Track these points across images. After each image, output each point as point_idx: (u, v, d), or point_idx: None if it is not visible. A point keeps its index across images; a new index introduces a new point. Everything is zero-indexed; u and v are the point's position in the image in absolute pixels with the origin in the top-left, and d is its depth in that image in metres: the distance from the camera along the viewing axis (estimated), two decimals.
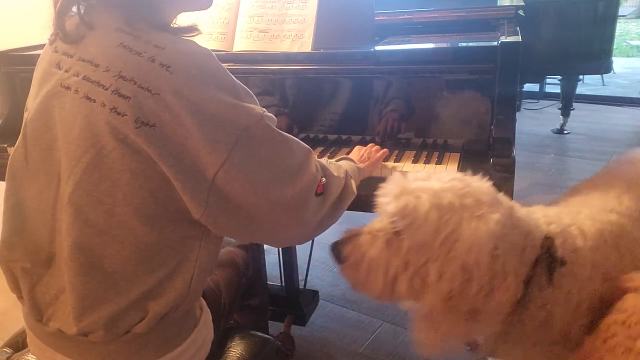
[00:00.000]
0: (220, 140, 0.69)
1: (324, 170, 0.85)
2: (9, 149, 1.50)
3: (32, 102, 0.80)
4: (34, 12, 2.74)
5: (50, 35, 0.80)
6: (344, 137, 1.33)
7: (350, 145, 1.31)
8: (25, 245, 0.81)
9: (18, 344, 1.02)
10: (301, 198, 0.78)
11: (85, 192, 0.71)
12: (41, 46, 1.72)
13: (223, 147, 0.69)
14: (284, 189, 0.75)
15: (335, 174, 0.88)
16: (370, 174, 1.12)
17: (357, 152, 1.16)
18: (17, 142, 0.85)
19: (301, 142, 0.81)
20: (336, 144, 1.33)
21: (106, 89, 0.69)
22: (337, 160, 1.03)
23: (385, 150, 1.19)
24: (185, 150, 0.69)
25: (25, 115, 0.83)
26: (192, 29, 0.78)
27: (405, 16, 1.67)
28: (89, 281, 0.74)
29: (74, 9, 0.76)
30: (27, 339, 0.89)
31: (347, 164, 1.01)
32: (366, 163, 1.10)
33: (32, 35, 2.51)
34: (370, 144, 1.20)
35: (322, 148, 1.32)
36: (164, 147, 0.68)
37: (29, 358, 0.96)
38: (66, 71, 0.74)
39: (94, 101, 0.70)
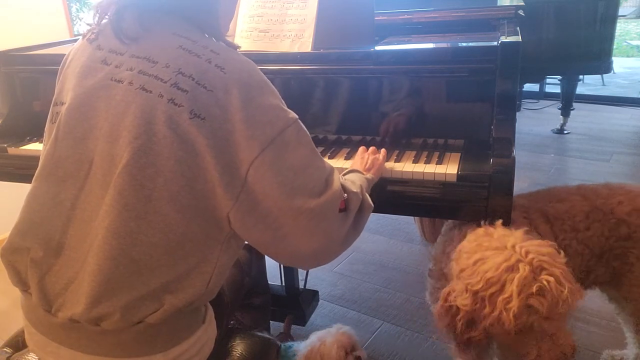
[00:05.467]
0: (257, 138, 0.75)
1: (344, 187, 0.88)
2: (9, 149, 1.50)
3: (68, 94, 0.84)
4: (34, 12, 2.76)
5: (89, 34, 0.87)
6: (344, 137, 1.33)
7: (350, 145, 1.31)
8: (37, 234, 0.83)
9: (18, 344, 1.02)
10: (325, 210, 0.81)
11: (130, 176, 0.75)
12: (41, 46, 1.74)
13: (257, 145, 0.75)
14: (310, 200, 0.79)
15: (353, 189, 0.90)
16: (377, 180, 1.12)
17: (360, 160, 1.15)
18: (45, 137, 0.89)
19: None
20: (336, 144, 1.33)
21: (165, 82, 0.75)
22: (344, 174, 1.04)
23: (384, 151, 1.19)
24: (227, 145, 0.75)
25: (57, 108, 0.86)
26: (234, 45, 0.86)
27: (405, 16, 1.67)
28: (116, 266, 0.76)
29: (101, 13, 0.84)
30: (26, 337, 0.89)
31: (356, 177, 1.02)
32: (372, 171, 1.11)
33: (33, 35, 2.51)
34: (369, 148, 1.20)
35: (322, 148, 1.32)
36: (211, 139, 0.74)
37: (29, 357, 0.96)
38: (116, 67, 0.80)
39: (150, 92, 0.76)
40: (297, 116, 0.81)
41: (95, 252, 0.77)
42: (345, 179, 0.95)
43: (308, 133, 0.83)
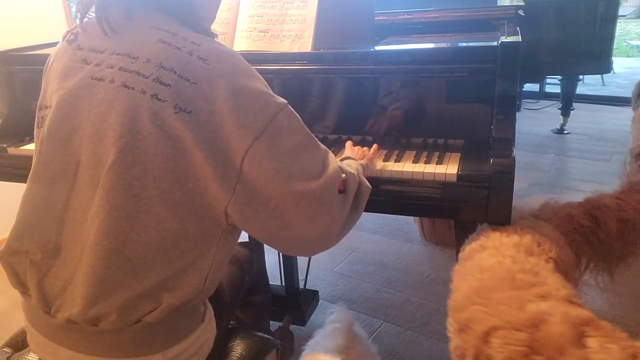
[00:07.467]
0: (249, 126, 0.74)
1: (341, 168, 0.87)
2: (8, 149, 1.50)
3: (52, 97, 0.83)
4: (34, 12, 2.76)
5: (68, 34, 0.86)
6: (344, 137, 1.33)
7: None
8: (33, 237, 0.82)
9: (18, 344, 1.02)
10: (325, 191, 0.80)
11: (117, 176, 0.74)
12: (41, 46, 1.74)
13: (250, 133, 0.74)
14: (309, 182, 0.78)
15: (350, 170, 0.90)
16: (371, 172, 1.12)
17: (351, 151, 1.16)
18: (35, 141, 0.89)
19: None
20: (336, 144, 1.33)
21: (147, 78, 0.74)
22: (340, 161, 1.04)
23: (375, 146, 1.20)
24: (218, 138, 0.73)
25: (42, 112, 0.85)
26: (213, 34, 0.85)
27: (405, 16, 1.67)
28: (109, 265, 0.75)
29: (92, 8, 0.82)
30: (27, 337, 0.89)
31: (351, 161, 1.02)
32: (365, 159, 1.11)
33: (33, 35, 2.51)
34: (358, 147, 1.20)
35: None
36: (199, 132, 0.72)
37: (29, 357, 0.96)
38: (97, 65, 0.79)
39: (132, 88, 0.74)
40: (286, 101, 0.80)
41: (87, 252, 0.76)
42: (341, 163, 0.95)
43: (299, 117, 0.82)
